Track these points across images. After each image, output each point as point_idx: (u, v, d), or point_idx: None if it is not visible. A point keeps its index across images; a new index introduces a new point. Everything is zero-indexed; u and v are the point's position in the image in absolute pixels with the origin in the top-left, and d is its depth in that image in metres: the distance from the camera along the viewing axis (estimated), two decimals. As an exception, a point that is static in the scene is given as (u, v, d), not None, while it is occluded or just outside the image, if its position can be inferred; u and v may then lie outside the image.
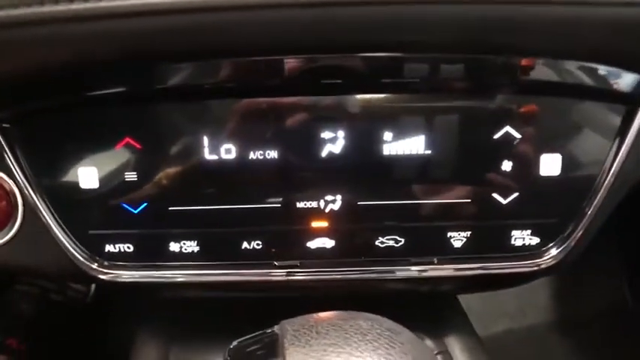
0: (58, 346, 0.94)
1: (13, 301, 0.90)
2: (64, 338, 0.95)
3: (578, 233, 0.46)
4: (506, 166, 0.44)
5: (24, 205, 0.45)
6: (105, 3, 0.34)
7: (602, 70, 0.42)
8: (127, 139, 0.43)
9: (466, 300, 0.57)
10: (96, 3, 0.34)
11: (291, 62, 0.41)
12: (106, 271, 0.46)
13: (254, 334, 0.32)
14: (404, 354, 0.27)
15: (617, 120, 0.44)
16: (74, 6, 0.34)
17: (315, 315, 0.31)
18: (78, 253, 0.46)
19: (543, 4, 0.36)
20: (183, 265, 0.46)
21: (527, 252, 0.47)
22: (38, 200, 0.44)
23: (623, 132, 0.44)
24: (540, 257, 0.47)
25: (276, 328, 0.30)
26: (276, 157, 0.44)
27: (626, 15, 0.37)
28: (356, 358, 0.26)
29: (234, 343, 0.32)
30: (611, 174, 0.45)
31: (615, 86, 0.43)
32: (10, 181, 0.45)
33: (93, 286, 1.01)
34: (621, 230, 1.12)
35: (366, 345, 0.27)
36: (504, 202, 0.45)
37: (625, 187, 0.46)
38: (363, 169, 0.44)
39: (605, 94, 0.43)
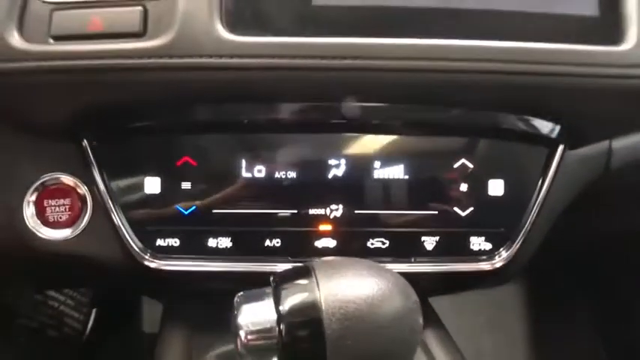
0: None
1: (11, 336, 0.98)
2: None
3: (520, 241, 0.61)
4: (464, 187, 0.60)
5: (94, 205, 0.58)
6: (167, 60, 0.51)
7: (529, 119, 0.59)
8: (186, 158, 0.58)
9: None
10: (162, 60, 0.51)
11: (309, 107, 0.58)
12: (156, 261, 0.59)
13: (288, 268, 0.45)
14: (392, 275, 0.41)
15: (542, 158, 0.61)
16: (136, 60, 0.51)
17: (331, 257, 0.45)
18: (135, 245, 0.59)
19: (484, 73, 0.54)
20: (218, 258, 0.59)
21: (483, 255, 0.61)
22: (110, 202, 0.58)
23: (545, 168, 0.61)
24: (493, 259, 0.61)
25: (306, 263, 0.43)
26: (294, 176, 0.59)
27: (537, 81, 0.55)
28: (359, 272, 0.40)
29: (274, 275, 0.45)
30: (539, 199, 0.60)
31: (538, 132, 0.60)
32: (84, 187, 0.58)
33: (90, 324, 1.10)
34: (591, 283, 1.25)
35: (365, 269, 0.41)
36: (463, 214, 0.60)
37: (554, 211, 0.62)
38: (359, 187, 0.60)
39: (532, 138, 0.60)
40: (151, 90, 0.54)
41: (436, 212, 0.60)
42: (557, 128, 0.60)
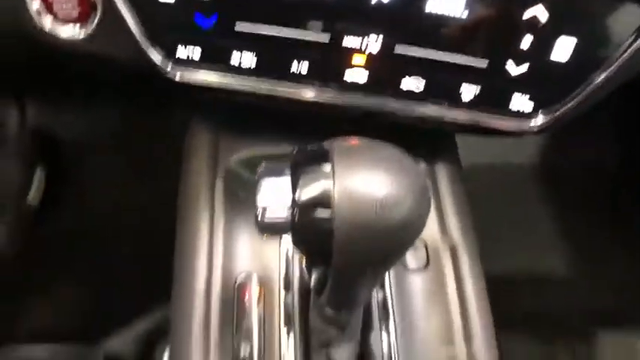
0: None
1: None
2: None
3: (565, 110, 0.55)
4: (527, 41, 0.51)
5: (104, 6, 0.51)
6: None
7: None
8: None
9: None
10: None
11: None
12: (176, 71, 0.55)
13: (309, 147, 0.43)
14: (412, 174, 0.39)
15: (636, 22, 0.50)
16: None
17: (354, 141, 0.42)
18: (152, 55, 0.54)
19: None
20: (242, 74, 0.56)
21: (521, 115, 0.57)
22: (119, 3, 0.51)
23: (637, 35, 0.50)
24: (530, 120, 0.57)
25: (325, 144, 0.41)
26: None
27: None
28: (377, 164, 0.38)
29: (295, 150, 0.43)
30: (608, 72, 0.52)
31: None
32: None
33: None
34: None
35: (384, 161, 0.39)
36: (514, 74, 0.53)
37: (616, 83, 0.54)
38: (405, 19, 0.51)
39: None
40: None
41: (486, 61, 0.53)
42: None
